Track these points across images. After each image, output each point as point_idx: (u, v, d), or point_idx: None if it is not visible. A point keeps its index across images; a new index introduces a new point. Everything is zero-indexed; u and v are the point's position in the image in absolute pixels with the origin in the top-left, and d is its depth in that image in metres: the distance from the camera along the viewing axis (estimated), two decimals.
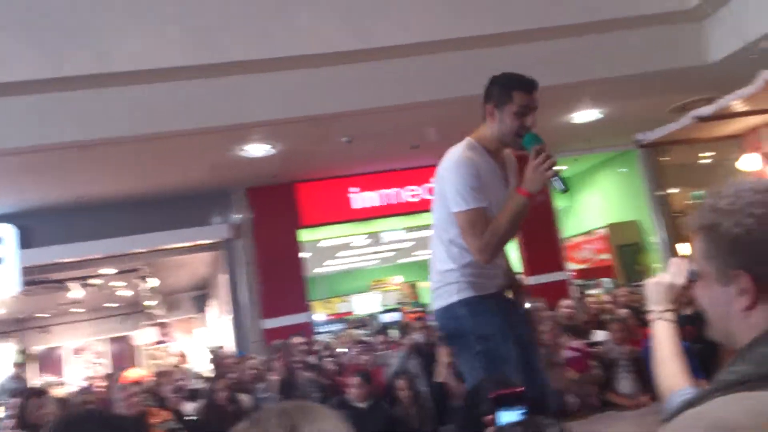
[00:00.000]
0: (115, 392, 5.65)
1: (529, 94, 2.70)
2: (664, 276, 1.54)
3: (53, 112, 5.75)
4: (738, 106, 6.00)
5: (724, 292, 1.07)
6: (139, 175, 7.50)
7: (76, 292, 10.71)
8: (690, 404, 1.04)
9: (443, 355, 6.02)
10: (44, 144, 5.90)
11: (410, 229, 10.44)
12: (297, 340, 6.96)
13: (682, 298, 1.49)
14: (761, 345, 0.99)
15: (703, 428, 0.94)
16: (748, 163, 7.10)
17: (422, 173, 9.03)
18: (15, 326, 15.31)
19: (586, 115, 7.81)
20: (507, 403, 1.33)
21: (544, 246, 9.48)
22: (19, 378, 7.78)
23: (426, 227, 10.61)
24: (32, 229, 7.94)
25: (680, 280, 1.49)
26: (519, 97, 2.69)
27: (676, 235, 9.59)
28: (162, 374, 7.28)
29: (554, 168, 2.56)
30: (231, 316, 8.99)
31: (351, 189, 8.84)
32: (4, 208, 7.73)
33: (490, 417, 1.34)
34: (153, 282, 11.81)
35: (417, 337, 6.58)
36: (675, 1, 6.40)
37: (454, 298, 2.82)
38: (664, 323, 1.51)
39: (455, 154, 2.76)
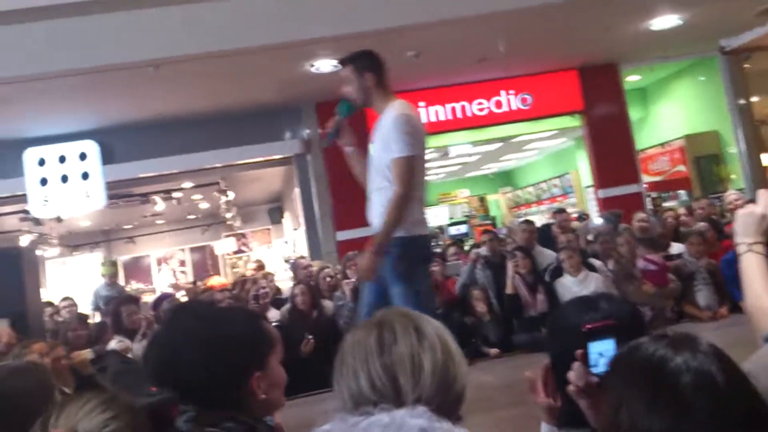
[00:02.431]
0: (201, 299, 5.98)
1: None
2: (755, 207, 1.47)
3: (126, 30, 5.89)
4: None
5: None
6: (213, 92, 7.67)
7: (159, 205, 11.23)
8: None
9: (512, 267, 6.13)
10: (117, 63, 6.08)
11: (477, 144, 10.37)
12: None
13: None
14: None
15: None
16: None
17: (490, 86, 8.91)
18: (101, 237, 16.16)
19: (664, 21, 7.45)
20: (599, 335, 1.29)
21: (618, 158, 9.29)
22: (113, 285, 8.28)
23: (493, 141, 10.54)
24: (114, 145, 8.24)
25: None
26: None
27: (757, 145, 9.22)
28: (246, 281, 7.54)
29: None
30: (305, 229, 9.27)
31: (419, 103, 8.80)
32: (86, 125, 8.05)
33: (580, 351, 1.29)
34: (230, 195, 12.20)
35: (485, 249, 6.63)
36: None
37: None
38: (754, 255, 1.44)
39: None
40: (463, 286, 6.32)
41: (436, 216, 15.47)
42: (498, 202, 16.82)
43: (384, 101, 3.52)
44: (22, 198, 8.08)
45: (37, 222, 10.70)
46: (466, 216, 15.46)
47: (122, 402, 1.05)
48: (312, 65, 7.15)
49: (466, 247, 8.76)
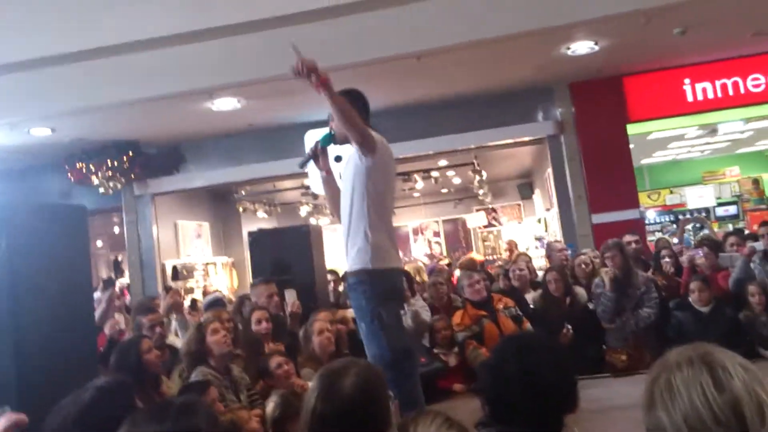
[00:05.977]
0: (461, 279, 6.26)
1: None
2: None
3: (392, 25, 6.35)
4: None
5: None
6: (469, 78, 7.98)
7: (418, 183, 12.03)
8: None
9: None
10: (387, 56, 6.61)
11: (750, 120, 9.49)
12: (629, 238, 6.75)
13: None
14: None
15: None
16: None
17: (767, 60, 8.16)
18: None
19: None
20: None
21: None
22: None
23: None
24: (378, 128, 8.86)
25: None
26: None
27: None
28: (508, 261, 7.45)
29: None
30: (558, 210, 9.25)
31: (684, 80, 8.32)
32: None
33: None
34: (483, 175, 12.56)
35: (762, 243, 5.97)
36: None
37: None
38: None
39: None
40: (738, 281, 5.83)
41: (701, 197, 14.44)
42: None
43: None
44: (303, 175, 9.10)
45: (315, 196, 12.03)
46: (736, 196, 14.23)
47: (457, 423, 1.24)
48: (568, 48, 7.13)
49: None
